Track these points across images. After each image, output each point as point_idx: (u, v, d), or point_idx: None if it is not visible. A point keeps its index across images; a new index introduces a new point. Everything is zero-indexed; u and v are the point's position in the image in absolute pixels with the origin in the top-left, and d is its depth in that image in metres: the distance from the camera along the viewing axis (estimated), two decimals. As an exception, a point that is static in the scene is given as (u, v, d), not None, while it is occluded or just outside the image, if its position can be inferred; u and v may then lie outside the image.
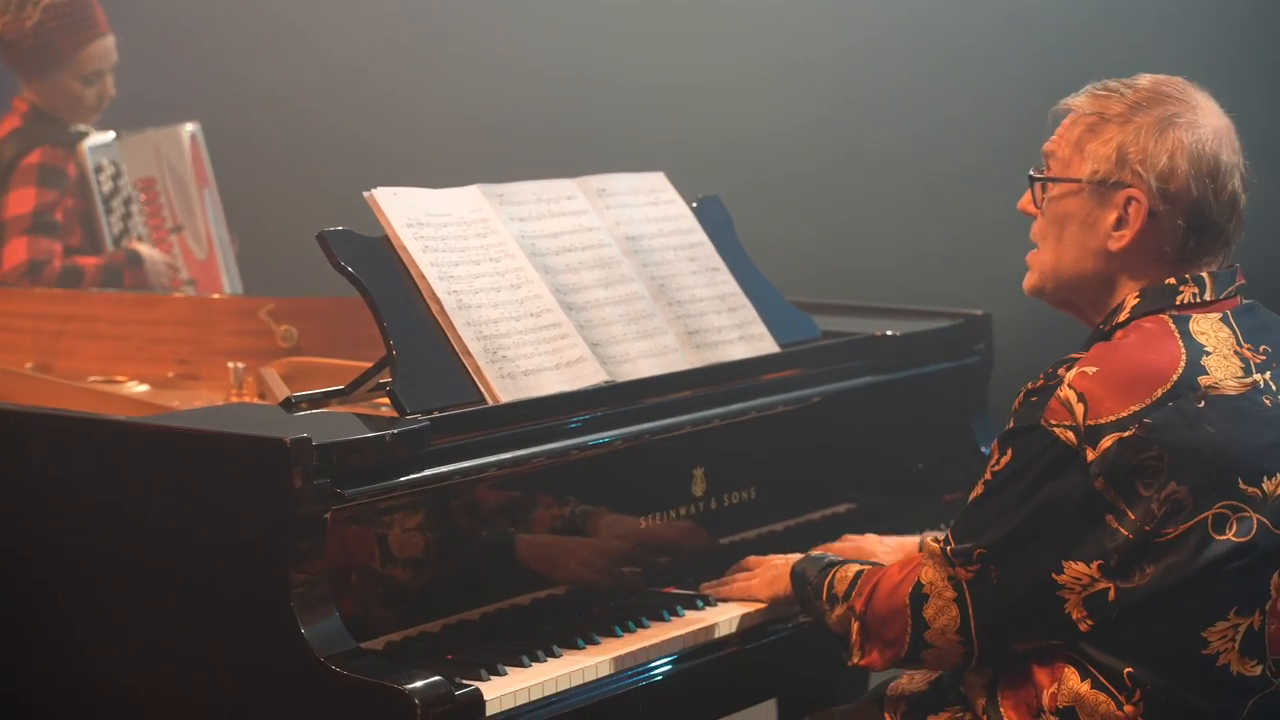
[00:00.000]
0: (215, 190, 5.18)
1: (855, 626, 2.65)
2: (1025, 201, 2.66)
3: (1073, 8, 5.25)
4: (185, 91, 5.83)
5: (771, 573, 2.92)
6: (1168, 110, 2.54)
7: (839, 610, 2.69)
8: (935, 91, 5.38)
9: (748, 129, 5.58)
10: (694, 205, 3.42)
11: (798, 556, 2.91)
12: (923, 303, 3.78)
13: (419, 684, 2.47)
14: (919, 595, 2.55)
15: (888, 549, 3.01)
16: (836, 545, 3.07)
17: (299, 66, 5.99)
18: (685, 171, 3.64)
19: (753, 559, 3.03)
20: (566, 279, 3.09)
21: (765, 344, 3.31)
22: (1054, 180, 2.60)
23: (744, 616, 2.93)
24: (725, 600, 2.97)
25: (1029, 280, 2.67)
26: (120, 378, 3.88)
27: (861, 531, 3.28)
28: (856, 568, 2.71)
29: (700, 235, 3.37)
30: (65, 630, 2.77)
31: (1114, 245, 2.56)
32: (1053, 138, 2.63)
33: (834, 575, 2.73)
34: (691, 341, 3.21)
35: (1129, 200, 2.54)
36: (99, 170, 4.92)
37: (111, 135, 5.00)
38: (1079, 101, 2.61)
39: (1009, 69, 5.21)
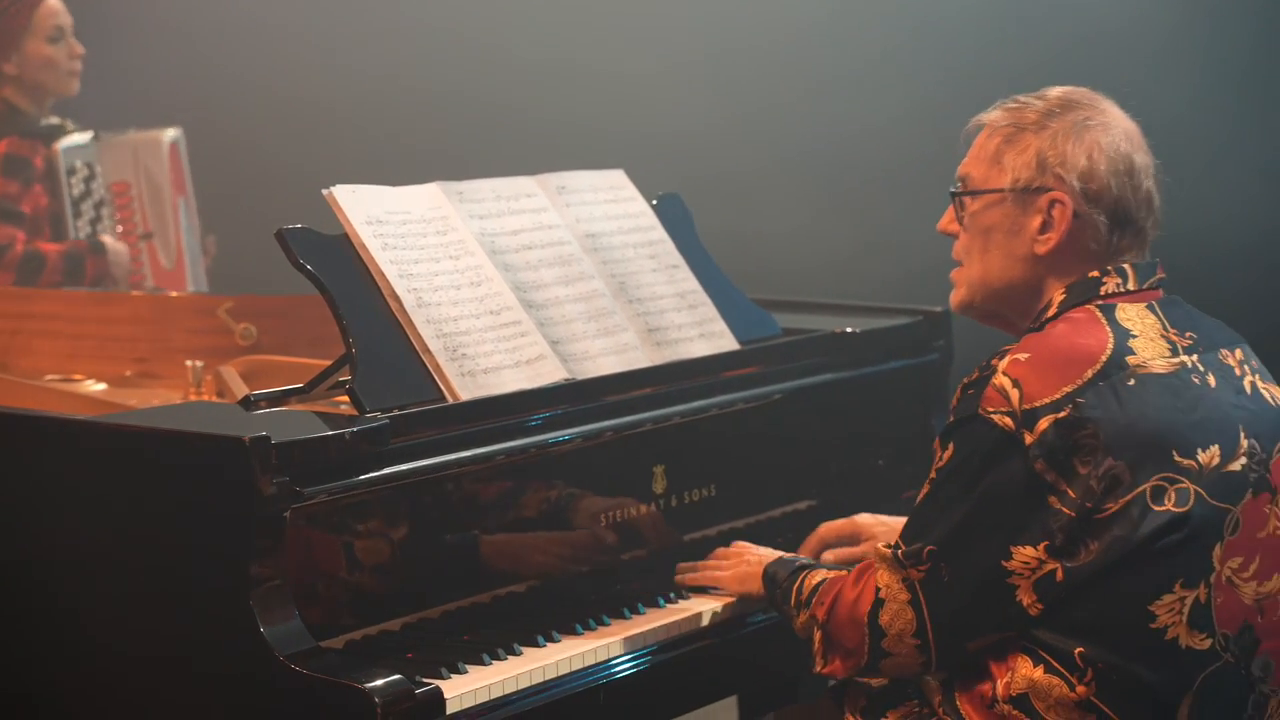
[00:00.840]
0: (192, 199, 5.16)
1: (818, 635, 2.68)
2: (946, 221, 2.73)
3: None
4: (169, 93, 5.82)
5: (745, 569, 2.93)
6: (1080, 115, 2.62)
7: (803, 617, 2.71)
8: (889, 84, 5.39)
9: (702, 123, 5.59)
10: (654, 203, 3.42)
11: (768, 554, 2.92)
12: (886, 301, 3.79)
13: (379, 682, 2.47)
14: (875, 602, 2.59)
15: (887, 529, 3.03)
16: (835, 525, 3.12)
17: (278, 68, 5.98)
18: (644, 168, 3.64)
19: (724, 550, 3.03)
20: (526, 276, 3.09)
21: (725, 341, 3.31)
22: (975, 193, 2.67)
23: (705, 614, 2.93)
24: (692, 588, 2.98)
25: (956, 296, 2.73)
26: (78, 376, 3.86)
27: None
28: (821, 575, 2.73)
29: (660, 233, 3.37)
30: (26, 628, 2.75)
31: (1040, 249, 2.62)
32: (967, 156, 2.70)
33: (801, 580, 2.75)
34: (652, 339, 3.21)
35: (1053, 203, 2.61)
36: (71, 172, 4.91)
37: (89, 136, 4.99)
38: (992, 116, 2.68)
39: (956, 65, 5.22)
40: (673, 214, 3.43)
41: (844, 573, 2.70)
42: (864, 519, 3.13)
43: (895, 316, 3.63)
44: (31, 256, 4.72)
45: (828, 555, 3.16)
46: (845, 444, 3.51)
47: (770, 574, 2.85)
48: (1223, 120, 4.88)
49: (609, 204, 3.33)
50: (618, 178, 3.40)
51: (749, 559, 2.95)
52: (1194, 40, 4.99)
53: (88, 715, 2.72)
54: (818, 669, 2.69)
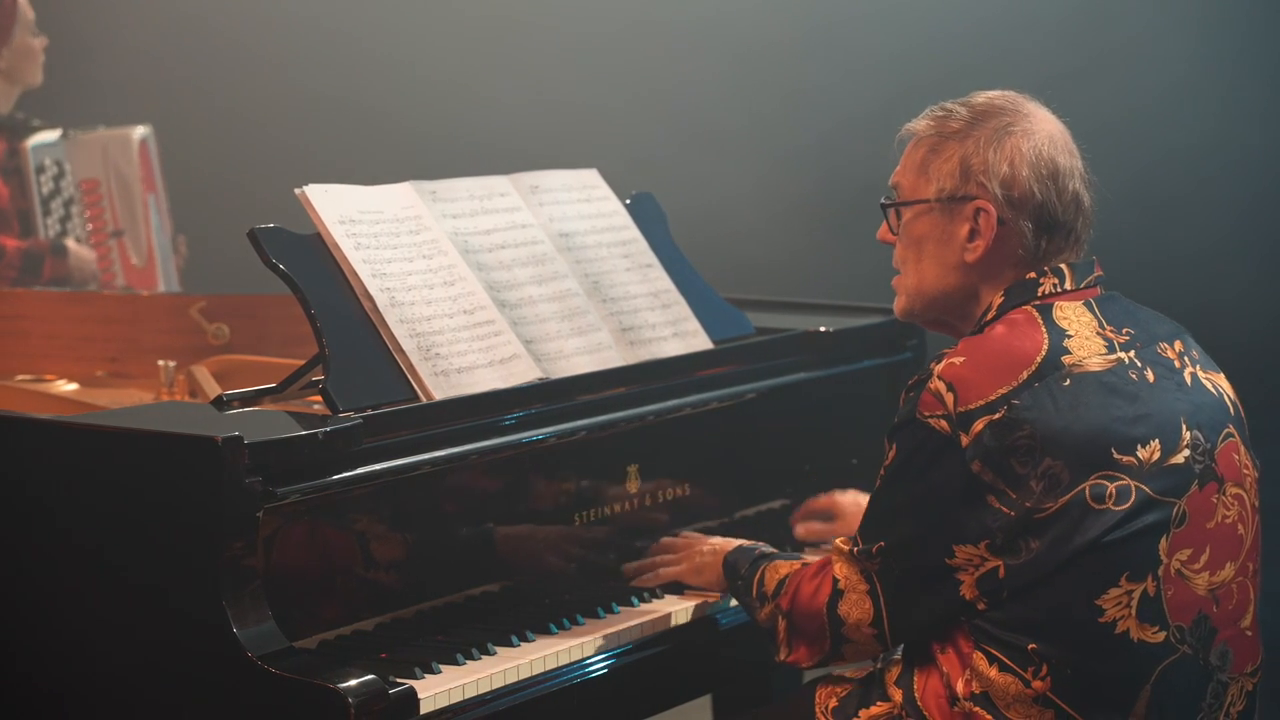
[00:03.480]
0: (163, 197, 5.15)
1: (782, 625, 2.71)
2: (883, 231, 2.76)
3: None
4: (140, 92, 5.81)
5: (700, 559, 2.95)
6: (1002, 121, 2.64)
7: (767, 608, 2.74)
8: (867, 81, 5.40)
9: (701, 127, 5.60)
10: (627, 202, 3.42)
11: (723, 544, 2.94)
12: (859, 300, 3.80)
13: (352, 683, 2.46)
14: (833, 593, 2.63)
15: (861, 511, 3.05)
16: (819, 500, 3.23)
17: (249, 65, 5.97)
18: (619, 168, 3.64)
19: (669, 540, 3.05)
20: (500, 276, 3.09)
21: (699, 340, 3.31)
22: (903, 204, 2.69)
23: (680, 613, 2.93)
24: (652, 588, 2.98)
25: (898, 304, 2.76)
26: (49, 376, 3.84)
27: (792, 525, 3.31)
28: (786, 569, 2.75)
29: (634, 232, 3.37)
30: (1, 626, 2.75)
31: (970, 256, 2.64)
32: (898, 166, 2.72)
33: (763, 572, 2.77)
34: (625, 338, 3.21)
35: (978, 211, 2.63)
36: (40, 170, 4.89)
37: (58, 134, 4.98)
38: (919, 125, 2.70)
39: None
40: (646, 213, 3.43)
41: (804, 563, 2.72)
42: (843, 500, 3.21)
43: (868, 315, 3.64)
44: None
45: (799, 529, 3.25)
46: (819, 443, 3.51)
47: (730, 563, 2.87)
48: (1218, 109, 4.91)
49: (582, 203, 3.33)
50: (591, 177, 3.40)
51: (702, 550, 2.96)
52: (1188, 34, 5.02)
53: (62, 715, 2.71)
54: (780, 657, 2.72)
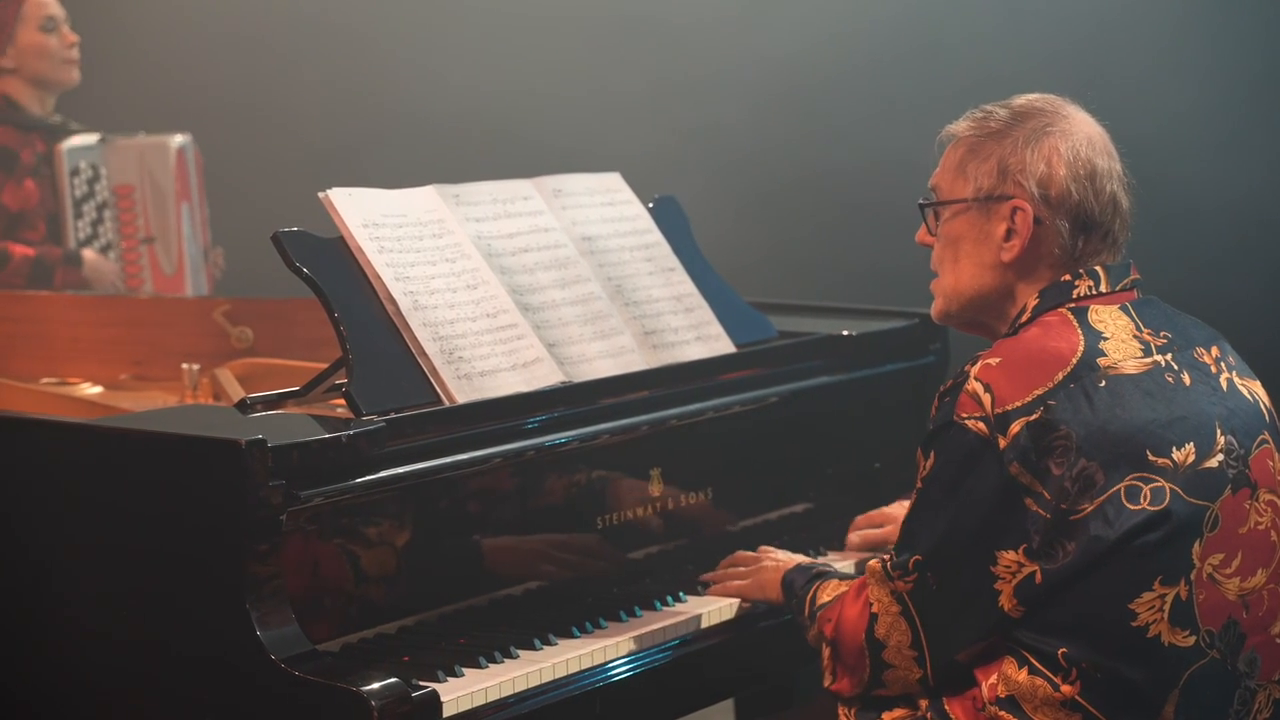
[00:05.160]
0: (199, 206, 5.16)
1: (827, 652, 2.70)
2: (921, 233, 2.76)
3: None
4: (179, 100, 5.83)
5: (765, 575, 2.94)
6: (1041, 122, 2.64)
7: (814, 630, 2.73)
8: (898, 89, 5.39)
9: (706, 130, 5.59)
10: (650, 205, 3.42)
11: (786, 560, 2.94)
12: (883, 304, 3.79)
13: (375, 685, 2.47)
14: (870, 618, 2.61)
15: None
16: (871, 514, 3.22)
17: (286, 74, 5.99)
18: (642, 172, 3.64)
19: (744, 554, 3.04)
20: (523, 279, 3.09)
21: (722, 344, 3.31)
22: (941, 204, 2.69)
23: (702, 617, 2.93)
24: (690, 591, 2.98)
25: (935, 307, 2.75)
26: (74, 379, 3.86)
27: (817, 530, 3.31)
28: (832, 588, 2.74)
29: (656, 235, 3.37)
30: (23, 630, 2.75)
31: (1006, 256, 2.64)
32: (937, 168, 2.72)
33: (815, 591, 2.77)
34: (648, 342, 3.21)
35: (1014, 210, 2.62)
36: (75, 172, 4.91)
37: (96, 138, 5.00)
38: (959, 127, 2.71)
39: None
40: (669, 217, 3.43)
41: (851, 585, 2.71)
42: (893, 510, 3.20)
43: (891, 319, 3.63)
44: None
45: (853, 538, 3.24)
46: (842, 447, 3.51)
47: (788, 581, 2.87)
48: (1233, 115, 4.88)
49: (605, 207, 3.33)
50: (614, 180, 3.40)
51: (767, 564, 2.96)
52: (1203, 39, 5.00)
53: (84, 717, 2.71)
54: (827, 684, 2.71)
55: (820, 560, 2.99)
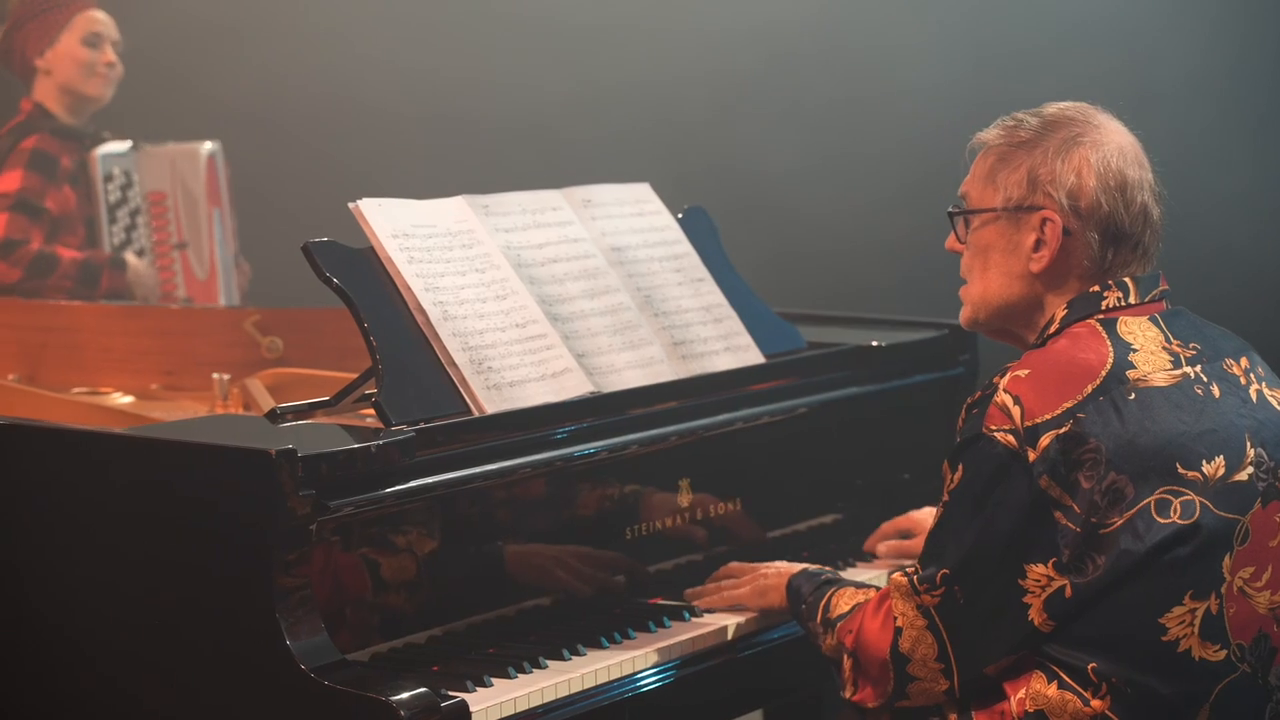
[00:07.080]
0: (228, 212, 5.21)
1: (848, 663, 2.69)
2: (951, 240, 2.75)
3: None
4: (207, 108, 5.87)
5: (763, 583, 2.93)
6: (1072, 131, 2.62)
7: (832, 640, 2.71)
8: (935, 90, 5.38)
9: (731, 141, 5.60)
10: (679, 216, 3.42)
11: (788, 567, 2.92)
12: (911, 315, 3.79)
13: (404, 695, 2.47)
14: (894, 631, 2.59)
15: None
16: (898, 521, 3.21)
17: (310, 82, 6.01)
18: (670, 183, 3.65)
19: (735, 565, 3.03)
20: (552, 290, 3.09)
21: (751, 355, 3.31)
22: (971, 213, 2.68)
23: (731, 628, 2.93)
24: (712, 610, 2.97)
25: (964, 314, 2.74)
26: (105, 389, 3.87)
27: (846, 541, 3.30)
28: (849, 597, 2.73)
29: (686, 246, 3.37)
30: (52, 639, 2.76)
31: (1035, 266, 2.63)
32: (968, 175, 2.71)
33: (830, 599, 2.75)
34: (677, 352, 3.21)
35: (1044, 221, 2.61)
36: (109, 178, 4.96)
37: (128, 145, 5.05)
38: (990, 135, 2.69)
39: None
40: (698, 227, 3.43)
41: (870, 594, 2.70)
42: (920, 516, 3.19)
43: (920, 330, 3.63)
44: (43, 257, 4.76)
45: (881, 547, 3.23)
46: (871, 458, 3.50)
47: (794, 587, 2.85)
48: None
49: (634, 217, 3.34)
50: (643, 191, 3.40)
51: (767, 573, 2.95)
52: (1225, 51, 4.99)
53: (114, 727, 2.73)
54: (848, 695, 2.69)
55: (844, 574, 2.98)
